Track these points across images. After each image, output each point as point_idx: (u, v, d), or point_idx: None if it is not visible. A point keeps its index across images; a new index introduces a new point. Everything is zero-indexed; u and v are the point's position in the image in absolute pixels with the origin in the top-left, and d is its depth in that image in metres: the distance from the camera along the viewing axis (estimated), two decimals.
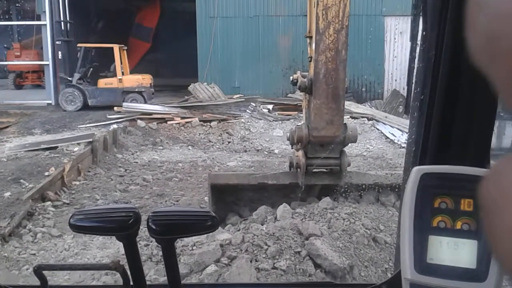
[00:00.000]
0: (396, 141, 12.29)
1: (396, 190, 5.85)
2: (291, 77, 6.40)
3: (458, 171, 1.09)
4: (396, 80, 18.43)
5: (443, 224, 1.08)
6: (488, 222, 0.27)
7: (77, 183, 8.75)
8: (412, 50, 1.46)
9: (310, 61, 5.85)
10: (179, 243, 4.78)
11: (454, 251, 1.06)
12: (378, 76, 18.72)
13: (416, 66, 1.38)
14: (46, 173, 8.46)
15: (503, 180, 0.27)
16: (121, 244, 1.54)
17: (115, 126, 13.13)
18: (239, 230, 5.28)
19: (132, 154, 11.29)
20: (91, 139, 10.47)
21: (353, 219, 5.29)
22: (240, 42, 18.93)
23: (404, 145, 11.01)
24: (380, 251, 4.97)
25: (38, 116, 15.26)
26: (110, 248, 5.85)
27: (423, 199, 1.09)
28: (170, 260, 1.47)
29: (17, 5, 22.97)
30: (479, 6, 0.29)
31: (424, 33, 1.32)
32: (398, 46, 18.33)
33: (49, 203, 7.41)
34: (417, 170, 1.11)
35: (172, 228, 1.47)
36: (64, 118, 14.86)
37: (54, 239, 6.25)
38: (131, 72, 17.93)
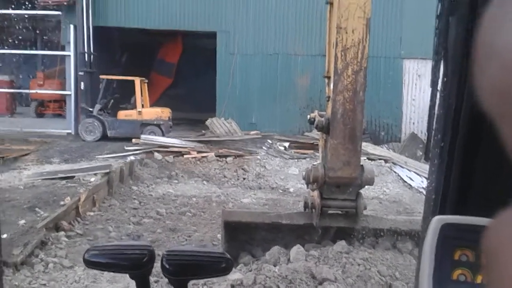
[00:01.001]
0: (414, 185, 12.13)
1: (414, 237, 5.71)
2: (308, 116, 6.41)
3: (480, 223, 1.05)
4: (414, 123, 18.36)
5: (463, 277, 1.04)
6: (488, 273, 0.26)
7: (92, 213, 8.76)
8: (433, 96, 1.45)
9: (328, 100, 5.86)
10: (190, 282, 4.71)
11: None
12: (396, 118, 18.69)
13: (436, 112, 1.36)
14: (62, 203, 8.50)
15: (503, 232, 0.25)
16: (131, 280, 1.52)
17: (132, 157, 13.24)
18: (251, 271, 5.18)
19: (147, 187, 11.32)
20: (107, 170, 10.55)
21: (369, 265, 5.16)
22: (259, 79, 19.16)
23: (422, 190, 10.86)
24: None
25: (57, 145, 15.47)
26: (120, 283, 5.78)
27: (443, 251, 1.05)
28: None
29: (44, 37, 23.72)
30: (489, 56, 0.27)
31: (445, 79, 1.32)
32: (417, 89, 18.36)
33: (62, 233, 7.41)
34: (438, 220, 1.08)
35: (186, 269, 1.45)
36: (82, 148, 15.05)
37: (65, 270, 6.22)
38: (151, 106, 18.21)
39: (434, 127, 1.38)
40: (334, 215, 5.98)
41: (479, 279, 1.04)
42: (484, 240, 0.27)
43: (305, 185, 6.31)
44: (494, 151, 1.19)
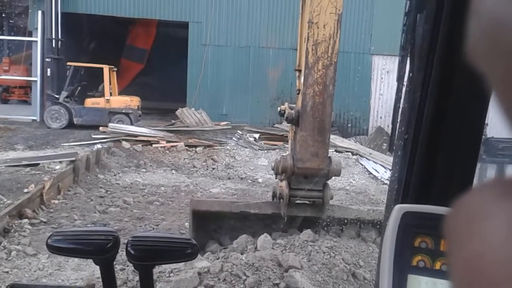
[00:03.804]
0: (379, 177, 12.38)
1: (378, 226, 5.86)
2: (278, 108, 6.46)
3: (439, 212, 1.10)
4: (381, 117, 18.71)
5: (423, 263, 1.08)
6: (452, 252, 0.28)
7: (56, 201, 8.61)
8: (398, 90, 1.50)
9: (298, 93, 5.92)
10: (156, 269, 4.70)
11: None
12: (364, 112, 19.01)
13: (401, 106, 1.40)
14: (25, 190, 8.32)
15: (467, 211, 0.27)
16: (96, 267, 1.51)
17: (99, 146, 13.03)
18: (218, 259, 5.22)
19: (115, 176, 11.18)
20: (73, 158, 10.36)
21: (334, 253, 5.27)
22: (230, 71, 19.12)
23: (387, 181, 11.09)
24: (359, 287, 4.94)
25: (22, 132, 15.10)
26: (85, 271, 5.72)
27: (404, 238, 1.09)
28: (147, 287, 1.45)
29: (10, 22, 22.99)
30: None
31: (410, 74, 1.36)
32: (385, 84, 18.70)
33: (26, 220, 7.26)
34: (399, 208, 1.12)
35: (151, 254, 1.45)
36: (48, 135, 14.72)
37: (29, 257, 6.11)
38: (121, 93, 17.93)
39: (398, 120, 1.42)
40: (302, 205, 6.07)
41: (438, 265, 1.08)
42: (444, 226, 0.29)
43: (274, 176, 6.37)
44: (454, 144, 1.24)
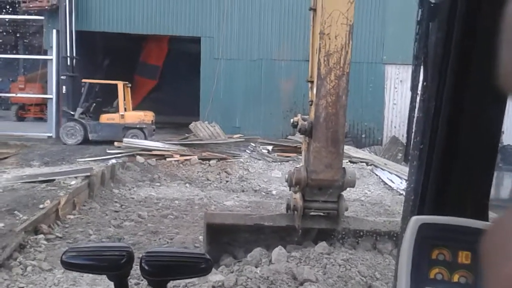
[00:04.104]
0: (394, 187, 12.26)
1: (394, 238, 5.78)
2: (291, 120, 6.44)
3: (456, 223, 1.08)
4: (395, 127, 18.58)
5: (440, 276, 1.06)
6: (487, 273, 0.27)
7: (72, 217, 8.67)
8: (413, 100, 1.48)
9: (311, 105, 5.90)
10: (170, 284, 4.68)
11: None
12: (378, 122, 18.90)
13: (416, 115, 1.39)
14: (41, 206, 8.38)
15: (503, 233, 0.27)
16: (111, 283, 1.50)
17: (114, 161, 13.12)
18: (232, 272, 5.19)
19: (129, 190, 11.24)
20: (88, 173, 10.44)
21: (349, 265, 5.20)
22: (243, 84, 19.21)
23: (403, 192, 10.98)
24: None
25: (38, 149, 15.28)
26: (100, 285, 5.73)
27: (421, 250, 1.07)
28: None
29: (25, 41, 23.43)
30: None
31: (424, 83, 1.34)
32: (398, 94, 18.60)
33: (41, 236, 7.31)
34: (416, 220, 1.10)
35: (165, 269, 1.45)
36: (63, 152, 14.88)
37: (44, 273, 6.13)
38: (135, 109, 18.11)
39: (413, 129, 1.40)
40: (316, 217, 6.02)
41: (455, 278, 1.06)
42: (482, 243, 0.28)
43: (288, 188, 6.34)
44: (471, 153, 1.22)
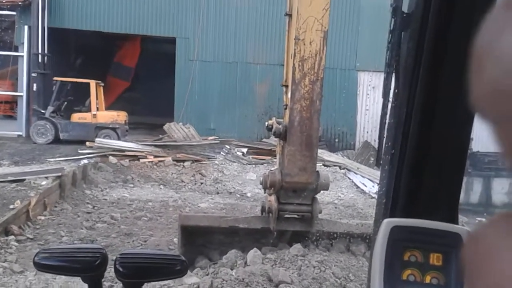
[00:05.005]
0: (367, 191, 12.43)
1: (367, 240, 5.87)
2: (266, 123, 6.49)
3: (427, 226, 1.11)
4: (367, 132, 18.87)
5: (413, 277, 1.09)
6: (469, 283, 0.29)
7: (43, 218, 8.50)
8: (384, 106, 1.52)
9: (286, 108, 5.96)
10: (145, 286, 4.64)
11: None
12: (351, 127, 19.18)
13: (387, 121, 1.43)
14: (11, 206, 8.20)
15: (483, 243, 0.28)
16: (85, 285, 1.49)
17: (85, 161, 12.92)
18: (208, 274, 5.18)
19: (102, 191, 11.08)
20: (59, 173, 10.26)
21: (324, 267, 5.26)
22: (218, 86, 19.18)
23: (375, 195, 11.14)
24: None
25: (7, 147, 14.92)
26: None
27: (393, 252, 1.10)
28: None
29: None
30: (489, 54, 0.27)
31: (396, 90, 1.38)
32: (371, 100, 18.92)
33: (12, 237, 7.16)
34: (388, 223, 1.13)
35: (140, 271, 1.44)
36: (34, 151, 14.57)
37: (16, 275, 6.00)
38: (108, 109, 17.86)
39: (385, 135, 1.44)
40: (291, 219, 6.07)
41: (427, 279, 1.09)
42: (465, 249, 0.29)
43: (263, 190, 6.37)
44: (441, 158, 1.26)
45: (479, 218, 9.95)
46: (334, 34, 16.46)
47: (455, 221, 1.23)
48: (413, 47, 1.26)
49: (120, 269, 1.41)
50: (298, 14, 5.46)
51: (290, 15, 5.91)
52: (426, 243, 1.10)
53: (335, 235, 6.12)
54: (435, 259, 1.09)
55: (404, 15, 1.33)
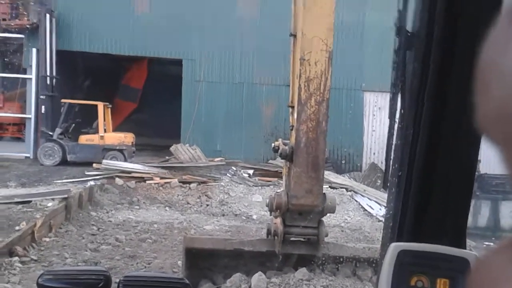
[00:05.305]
0: (374, 214, 12.32)
1: (373, 264, 5.78)
2: (272, 144, 6.47)
3: (434, 250, 1.09)
4: (374, 153, 18.78)
5: None
6: None
7: (48, 239, 8.47)
8: (391, 127, 1.50)
9: (292, 129, 5.95)
10: None
11: None
12: (357, 148, 19.10)
13: (394, 142, 1.41)
14: (17, 227, 8.19)
15: (489, 270, 0.27)
16: None
17: (92, 183, 12.94)
18: None
19: (107, 213, 11.06)
20: (66, 195, 10.26)
21: None
22: (224, 107, 19.27)
23: (382, 218, 11.03)
24: None
25: (15, 169, 15.00)
26: None
27: (400, 277, 1.08)
28: None
29: (5, 59, 23.20)
30: (494, 73, 0.25)
31: (402, 111, 1.36)
32: (377, 120, 18.87)
33: (16, 258, 7.13)
34: (395, 247, 1.11)
35: None
36: (41, 172, 14.63)
37: None
38: (114, 131, 17.96)
39: (392, 157, 1.42)
40: (296, 242, 6.00)
41: None
42: (471, 276, 0.28)
43: (268, 212, 6.32)
44: (448, 181, 1.24)
45: (487, 243, 9.81)
46: (339, 54, 16.52)
47: (462, 245, 1.20)
48: (418, 67, 1.25)
49: None
50: (303, 34, 5.50)
51: (294, 36, 5.95)
52: (433, 268, 1.07)
53: (341, 259, 6.03)
54: (442, 284, 1.06)
55: (409, 34, 1.32)
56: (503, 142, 0.26)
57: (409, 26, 1.33)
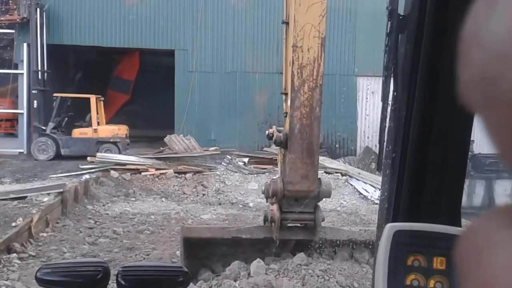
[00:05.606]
0: (369, 197, 12.40)
1: (370, 247, 5.83)
2: (267, 132, 6.46)
3: (430, 229, 1.10)
4: (368, 137, 18.86)
5: (416, 282, 1.08)
6: (462, 281, 0.28)
7: (45, 234, 8.47)
8: (384, 110, 1.51)
9: (286, 116, 5.95)
10: None
11: None
12: (351, 133, 19.17)
13: (387, 125, 1.41)
14: (13, 224, 8.18)
15: (476, 240, 0.27)
16: None
17: (87, 176, 12.91)
18: (211, 287, 5.14)
19: (103, 206, 11.06)
20: (61, 190, 10.24)
21: (328, 276, 5.23)
22: (217, 96, 19.24)
23: (377, 201, 11.10)
24: None
25: (9, 165, 14.94)
26: None
27: (396, 257, 1.09)
28: None
29: None
30: (475, 41, 0.26)
31: (395, 93, 1.37)
32: (370, 105, 18.93)
33: (14, 255, 7.12)
34: (390, 227, 1.12)
35: (142, 284, 1.43)
36: (35, 168, 14.57)
37: None
38: (108, 123, 17.89)
39: (385, 139, 1.43)
40: (293, 228, 6.04)
41: (431, 283, 1.07)
42: (457, 249, 0.28)
43: (265, 200, 6.34)
44: (442, 161, 1.25)
45: None
46: (331, 40, 16.54)
47: (458, 224, 1.22)
48: (410, 49, 1.25)
49: (122, 282, 1.40)
50: (295, 21, 5.48)
51: (287, 23, 5.93)
52: (429, 247, 1.08)
53: (338, 243, 6.08)
54: (438, 263, 1.07)
55: (400, 17, 1.33)
56: (484, 106, 0.26)
57: (401, 9, 1.33)
